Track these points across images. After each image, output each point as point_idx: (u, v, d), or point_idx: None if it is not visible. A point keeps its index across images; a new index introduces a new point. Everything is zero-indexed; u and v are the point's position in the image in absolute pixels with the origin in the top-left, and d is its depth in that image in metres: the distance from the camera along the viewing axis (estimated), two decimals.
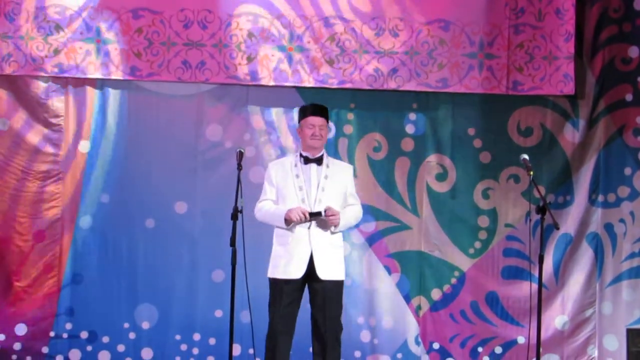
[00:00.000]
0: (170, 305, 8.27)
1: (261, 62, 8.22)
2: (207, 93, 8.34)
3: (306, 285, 6.67)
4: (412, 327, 8.36)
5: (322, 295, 6.58)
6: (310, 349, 6.74)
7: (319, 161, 6.69)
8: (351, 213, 6.74)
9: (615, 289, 8.35)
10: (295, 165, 6.70)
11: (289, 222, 6.54)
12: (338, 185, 6.71)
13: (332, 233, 6.62)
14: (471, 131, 8.40)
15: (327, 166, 6.72)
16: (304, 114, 6.74)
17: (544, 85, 8.27)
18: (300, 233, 6.58)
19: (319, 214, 6.50)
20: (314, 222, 6.56)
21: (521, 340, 8.29)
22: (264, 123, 8.36)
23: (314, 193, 6.63)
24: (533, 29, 8.27)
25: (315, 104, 6.82)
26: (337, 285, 6.66)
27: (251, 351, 7.58)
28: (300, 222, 6.51)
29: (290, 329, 6.67)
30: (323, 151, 6.74)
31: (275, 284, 6.66)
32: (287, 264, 6.59)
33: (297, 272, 6.57)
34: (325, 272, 6.57)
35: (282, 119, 8.37)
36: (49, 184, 8.25)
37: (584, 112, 8.38)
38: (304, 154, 6.70)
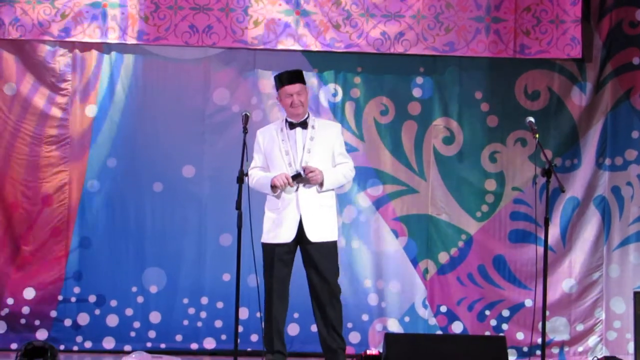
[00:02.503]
0: (178, 269, 8.29)
1: (268, 26, 8.22)
2: (214, 57, 8.34)
3: (298, 249, 6.72)
4: (419, 291, 8.37)
5: (315, 256, 6.66)
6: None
7: (303, 124, 6.73)
8: (339, 170, 6.76)
9: (623, 252, 8.36)
10: (282, 130, 6.76)
11: (275, 189, 6.57)
12: (324, 145, 6.73)
13: (319, 192, 6.64)
14: (478, 95, 8.39)
15: (313, 127, 6.76)
16: (280, 83, 6.76)
17: (551, 49, 8.26)
18: (289, 197, 6.62)
19: (298, 175, 6.54)
20: (301, 185, 6.58)
21: (528, 303, 8.30)
22: (271, 87, 8.32)
23: (300, 155, 6.67)
24: None
25: (289, 71, 6.82)
26: (330, 246, 6.70)
27: (258, 315, 7.58)
28: (285, 187, 6.54)
29: (284, 292, 6.75)
30: (308, 113, 6.77)
31: (267, 248, 6.72)
32: (277, 228, 6.66)
33: (287, 235, 6.63)
34: (316, 234, 6.63)
35: None
36: (56, 148, 8.25)
37: (591, 76, 8.37)
38: (289, 119, 6.74)
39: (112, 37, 8.19)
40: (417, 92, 8.40)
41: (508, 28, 8.26)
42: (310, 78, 8.25)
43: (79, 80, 8.27)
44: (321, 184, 6.62)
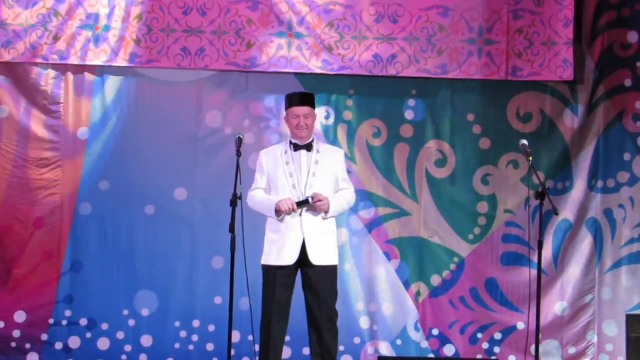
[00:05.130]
0: (169, 292, 8.27)
1: (260, 48, 8.22)
2: (207, 79, 8.34)
3: (299, 272, 6.70)
4: (411, 313, 8.36)
5: (315, 280, 6.62)
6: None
7: (308, 147, 6.71)
8: (343, 197, 6.74)
9: (615, 275, 8.36)
10: (285, 152, 6.73)
11: (279, 213, 6.55)
12: (328, 170, 6.72)
13: (324, 219, 6.63)
14: (470, 117, 8.40)
15: (317, 151, 6.74)
16: (289, 103, 6.76)
17: (543, 71, 8.27)
18: (292, 220, 6.59)
19: (306, 201, 6.53)
20: (305, 209, 6.57)
21: (520, 326, 8.28)
22: (264, 109, 8.37)
23: (305, 179, 6.65)
24: (532, 14, 8.26)
25: (299, 93, 6.86)
26: (330, 270, 6.69)
27: (250, 338, 7.57)
28: (289, 212, 6.53)
29: (284, 315, 6.71)
30: (312, 137, 6.76)
31: (268, 270, 6.68)
32: (279, 251, 6.62)
33: (289, 258, 6.60)
34: (318, 257, 6.60)
35: (282, 105, 8.31)
36: (48, 171, 8.24)
37: (583, 98, 8.38)
38: (293, 141, 6.73)
39: (105, 60, 8.18)
40: (409, 115, 8.41)
41: (500, 50, 8.27)
42: None
43: (70, 102, 8.26)
44: (326, 211, 6.61)
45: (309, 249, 6.59)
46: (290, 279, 6.68)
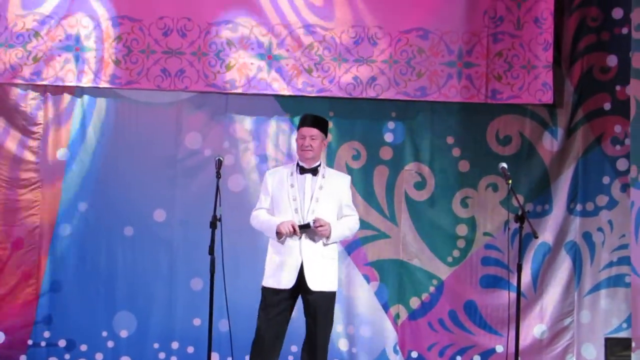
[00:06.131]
0: (148, 314, 8.27)
1: (240, 70, 8.22)
2: (186, 101, 8.34)
3: (299, 296, 6.63)
4: (390, 336, 8.36)
5: (313, 306, 6.55)
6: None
7: (314, 171, 6.65)
8: (345, 224, 6.66)
9: (594, 298, 8.36)
10: (291, 175, 6.66)
11: (279, 235, 6.53)
12: (333, 196, 6.63)
13: (325, 244, 6.57)
14: (450, 140, 8.40)
15: (323, 177, 6.66)
16: (300, 123, 6.69)
17: (523, 94, 8.28)
18: (292, 243, 6.54)
19: (307, 225, 6.47)
20: (306, 233, 6.54)
21: (499, 349, 8.29)
22: (244, 131, 8.37)
23: (308, 203, 6.58)
24: (512, 37, 8.28)
25: (312, 115, 6.72)
26: (328, 297, 6.59)
27: (230, 359, 7.56)
28: (290, 235, 6.50)
29: (277, 337, 6.59)
30: (319, 161, 6.69)
31: (266, 292, 6.63)
32: (278, 274, 6.56)
33: (287, 282, 6.53)
34: (316, 283, 6.52)
35: (261, 127, 8.38)
36: (27, 192, 8.24)
37: (563, 121, 8.39)
38: (300, 163, 6.67)
39: (84, 81, 8.19)
40: (388, 137, 8.41)
41: (480, 73, 8.28)
42: (282, 123, 8.29)
43: (50, 123, 8.26)
44: (327, 237, 6.57)
45: (307, 273, 6.50)
46: (287, 303, 6.59)
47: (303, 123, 6.66)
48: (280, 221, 6.51)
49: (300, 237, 6.51)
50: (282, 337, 6.64)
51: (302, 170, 6.63)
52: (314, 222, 6.45)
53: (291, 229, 6.44)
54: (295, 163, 6.70)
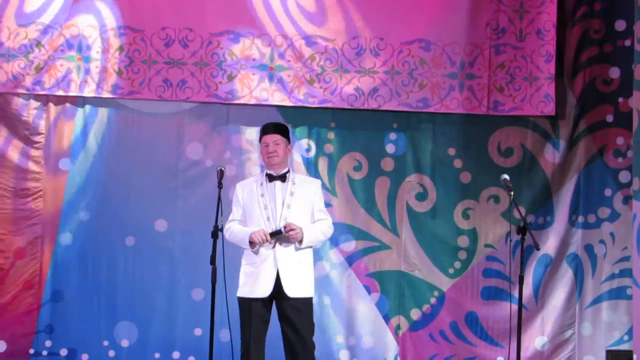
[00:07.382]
0: (149, 323, 8.28)
1: (242, 80, 8.23)
2: (188, 111, 8.35)
3: (274, 303, 6.67)
4: (391, 347, 8.35)
5: (291, 312, 6.56)
6: None
7: (283, 178, 6.68)
8: (318, 228, 6.68)
9: (595, 310, 8.34)
10: (261, 184, 6.69)
11: (253, 245, 6.55)
12: (304, 201, 6.66)
13: (297, 249, 6.59)
14: (451, 151, 8.39)
15: (293, 183, 6.69)
16: (261, 133, 6.74)
17: (525, 106, 8.27)
18: (266, 252, 6.56)
19: (279, 232, 6.49)
20: (278, 239, 6.55)
21: None
22: (245, 142, 8.38)
23: (279, 210, 6.61)
24: (514, 49, 8.26)
25: (271, 123, 6.78)
26: (306, 303, 6.64)
27: None
28: (263, 243, 6.52)
29: (261, 347, 6.66)
30: (287, 168, 6.73)
31: (243, 303, 6.65)
32: (254, 283, 6.58)
33: (264, 290, 6.55)
34: (293, 289, 6.54)
35: None
36: (29, 201, 8.26)
37: (565, 133, 8.38)
38: (268, 172, 6.70)
39: (86, 91, 8.21)
40: (390, 148, 8.40)
41: (482, 85, 8.27)
42: None
43: (52, 133, 8.28)
44: (300, 241, 6.60)
45: (283, 281, 6.54)
46: (265, 310, 6.63)
47: (265, 132, 6.69)
48: (251, 231, 6.54)
49: (274, 245, 6.53)
50: (264, 346, 6.66)
51: (271, 178, 6.67)
52: (284, 228, 6.46)
53: (263, 237, 6.47)
54: (264, 172, 6.72)
